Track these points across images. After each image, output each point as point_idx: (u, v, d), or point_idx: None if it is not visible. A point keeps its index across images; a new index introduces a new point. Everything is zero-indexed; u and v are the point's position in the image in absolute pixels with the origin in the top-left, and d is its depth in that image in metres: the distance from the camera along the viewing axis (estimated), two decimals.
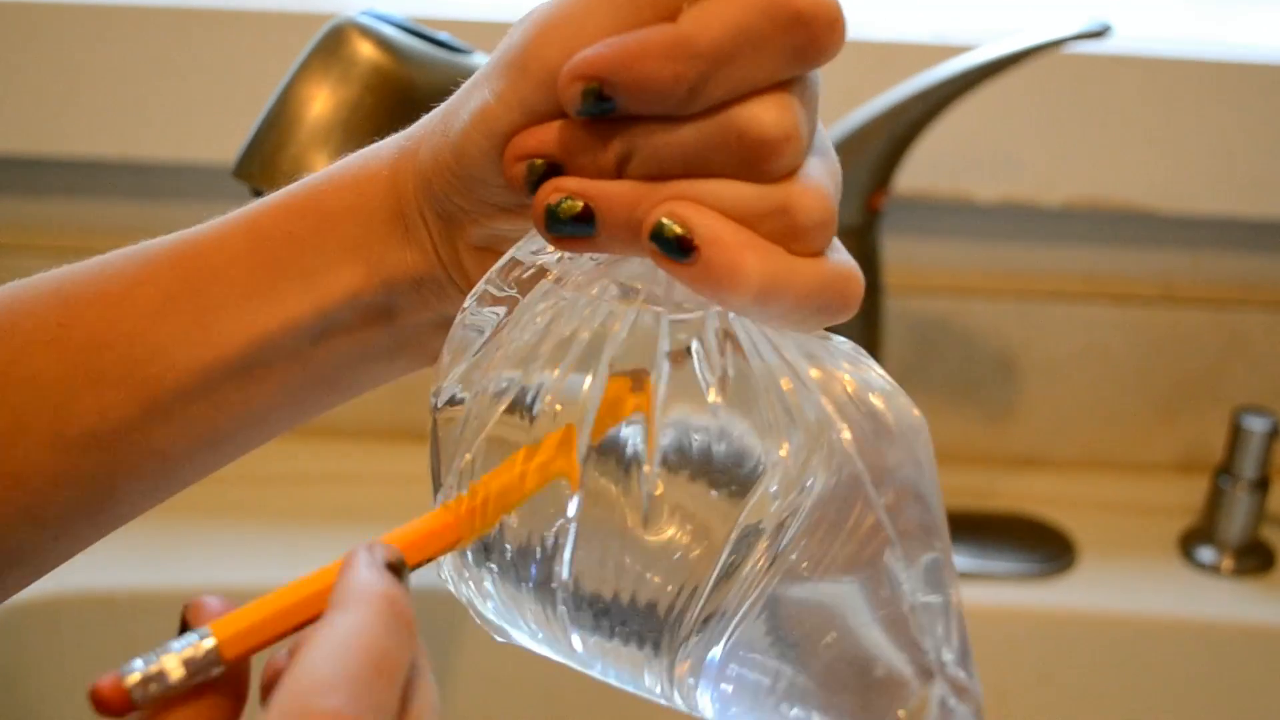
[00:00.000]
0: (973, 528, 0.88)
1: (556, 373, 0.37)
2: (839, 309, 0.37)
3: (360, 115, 0.56)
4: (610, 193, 0.36)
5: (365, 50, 0.57)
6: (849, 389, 0.38)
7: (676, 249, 0.35)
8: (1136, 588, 0.85)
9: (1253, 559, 0.86)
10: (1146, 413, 0.95)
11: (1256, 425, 0.84)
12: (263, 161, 0.57)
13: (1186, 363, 0.94)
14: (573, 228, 0.37)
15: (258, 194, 0.58)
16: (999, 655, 0.83)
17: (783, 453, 0.36)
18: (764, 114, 0.35)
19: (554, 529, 0.37)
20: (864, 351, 0.39)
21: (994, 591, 0.84)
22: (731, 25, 0.35)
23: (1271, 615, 0.83)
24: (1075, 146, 0.88)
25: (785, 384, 0.37)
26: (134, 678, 0.32)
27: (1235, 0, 0.97)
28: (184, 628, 0.35)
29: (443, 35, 0.60)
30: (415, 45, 0.58)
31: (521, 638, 0.40)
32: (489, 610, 0.40)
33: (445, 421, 0.39)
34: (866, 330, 0.82)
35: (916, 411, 0.39)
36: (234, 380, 0.43)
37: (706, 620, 0.37)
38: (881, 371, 0.39)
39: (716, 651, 0.37)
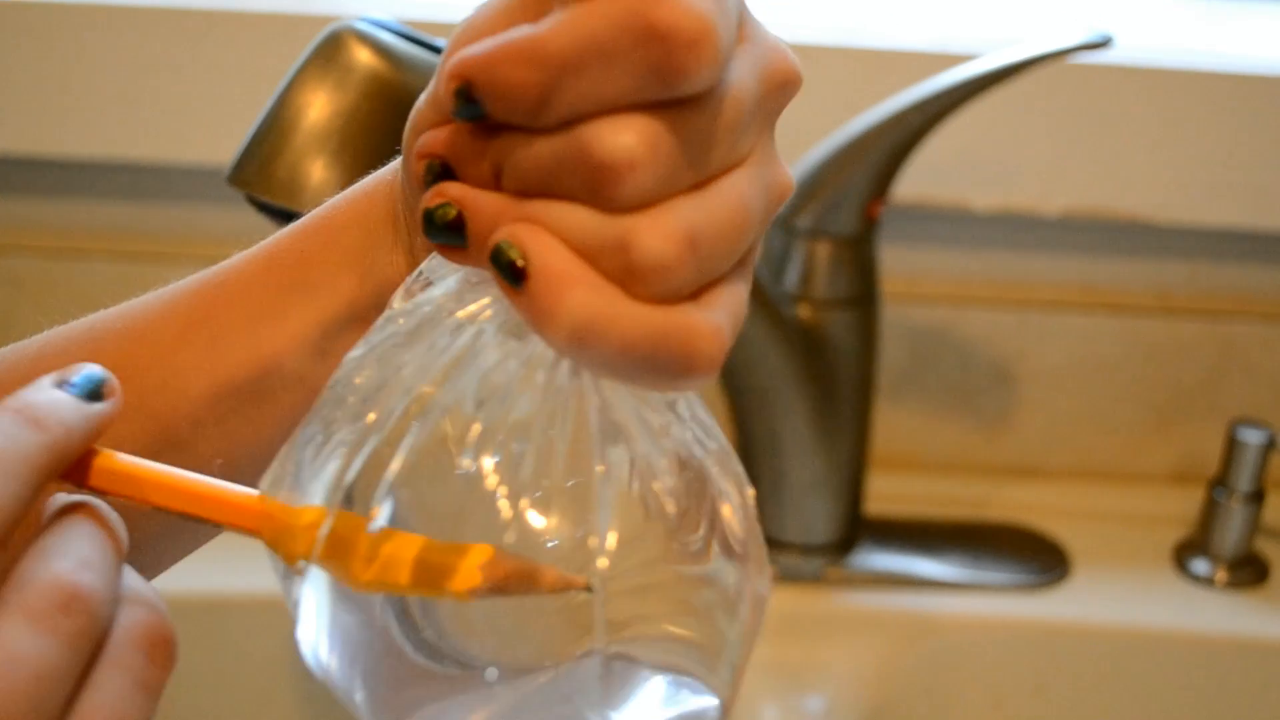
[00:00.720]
0: (967, 538, 0.88)
1: (381, 388, 0.36)
2: (676, 370, 0.33)
3: (357, 122, 0.56)
4: (480, 204, 0.34)
5: (362, 57, 0.56)
6: (648, 485, 0.35)
7: (510, 274, 0.33)
8: (1131, 599, 0.85)
9: (1247, 571, 0.86)
10: (1142, 423, 0.95)
11: (1252, 438, 0.84)
12: (258, 168, 0.56)
13: (1182, 373, 0.93)
14: (445, 235, 0.34)
15: (252, 201, 0.58)
16: (993, 666, 0.83)
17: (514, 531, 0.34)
18: (611, 135, 0.32)
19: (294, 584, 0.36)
20: (715, 431, 0.36)
21: (988, 602, 0.84)
22: (583, 34, 0.31)
23: (1265, 628, 0.83)
24: (1072, 156, 0.88)
25: (557, 457, 0.34)
26: None
27: (1233, 10, 0.97)
28: None
29: (440, 41, 0.59)
30: (412, 51, 0.58)
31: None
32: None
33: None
34: (863, 339, 0.82)
35: (740, 485, 0.37)
36: (244, 408, 0.43)
37: None
38: (724, 466, 0.36)
39: None
